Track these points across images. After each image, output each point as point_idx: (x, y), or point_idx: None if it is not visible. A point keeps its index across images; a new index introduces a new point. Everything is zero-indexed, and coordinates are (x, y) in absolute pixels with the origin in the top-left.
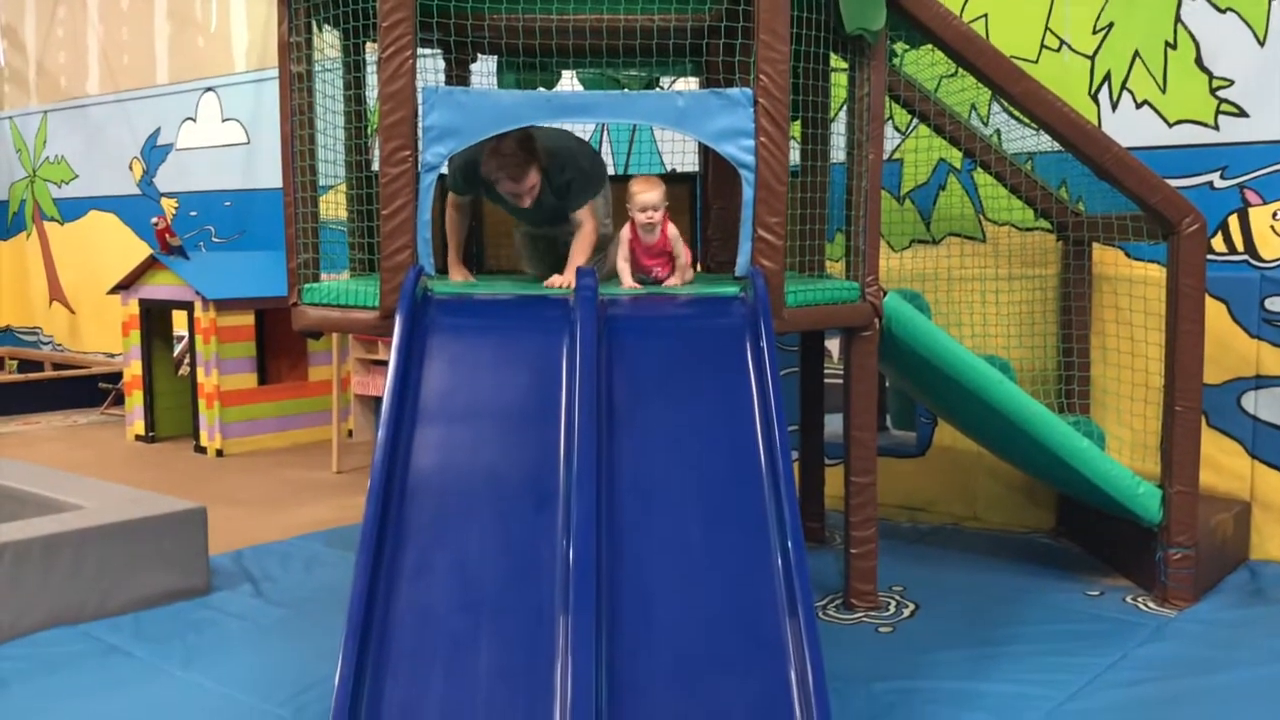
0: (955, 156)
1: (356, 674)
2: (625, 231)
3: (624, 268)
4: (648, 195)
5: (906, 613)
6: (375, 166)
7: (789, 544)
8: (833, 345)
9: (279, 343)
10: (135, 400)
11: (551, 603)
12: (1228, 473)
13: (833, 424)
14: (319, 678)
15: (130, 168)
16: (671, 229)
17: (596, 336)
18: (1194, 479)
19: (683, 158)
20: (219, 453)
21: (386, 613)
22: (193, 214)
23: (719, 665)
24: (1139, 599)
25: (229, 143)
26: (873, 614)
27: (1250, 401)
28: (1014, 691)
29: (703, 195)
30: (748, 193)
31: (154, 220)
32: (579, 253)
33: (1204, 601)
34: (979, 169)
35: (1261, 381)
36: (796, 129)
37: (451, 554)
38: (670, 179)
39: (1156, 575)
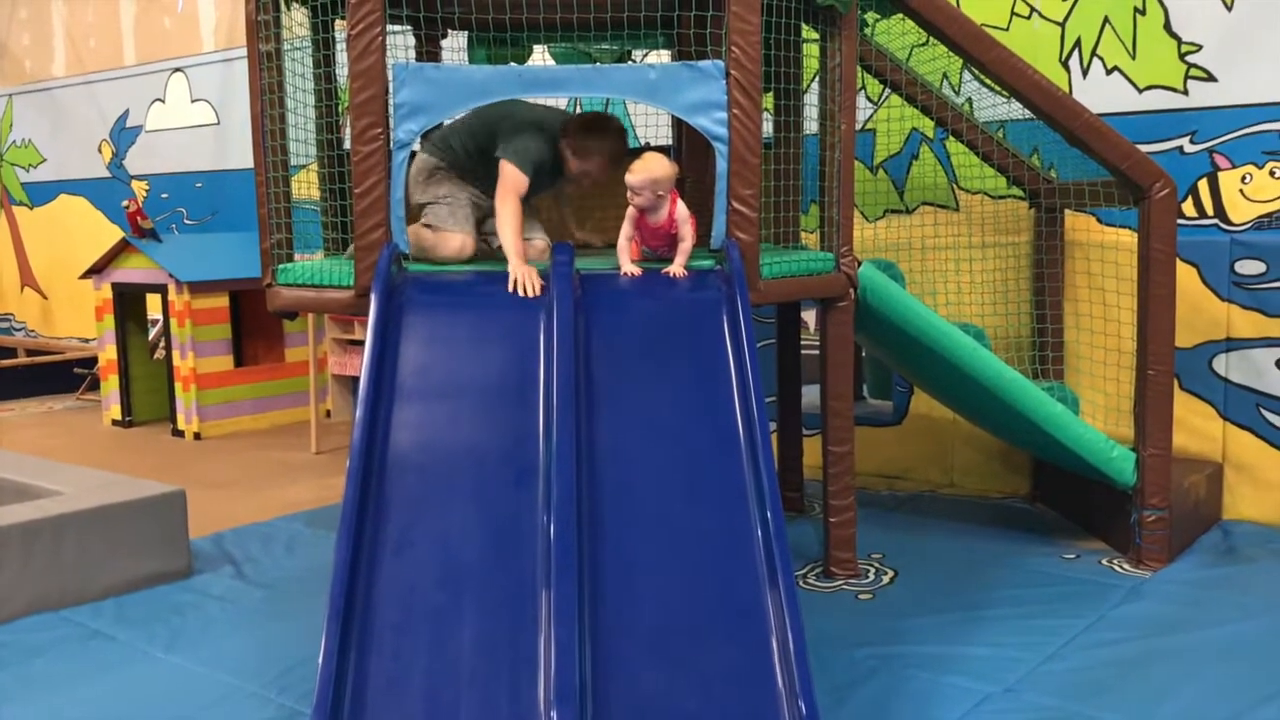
0: (928, 126)
1: (340, 651)
2: (632, 209)
3: (624, 246)
4: (631, 178)
5: (886, 579)
6: (347, 145)
7: (768, 514)
8: (809, 316)
9: (254, 324)
10: (111, 385)
11: (533, 576)
12: (1200, 435)
13: (810, 395)
14: (303, 657)
15: (99, 150)
16: (681, 209)
17: (574, 311)
18: (1167, 442)
19: (656, 131)
20: (197, 436)
21: (369, 589)
22: (164, 196)
23: (700, 635)
24: (1114, 561)
25: (199, 123)
26: (852, 581)
27: (1221, 364)
28: (993, 654)
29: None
30: (721, 165)
31: (125, 203)
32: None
33: (1178, 562)
34: (951, 138)
35: (1232, 344)
36: (769, 100)
37: (432, 530)
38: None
39: (1131, 537)
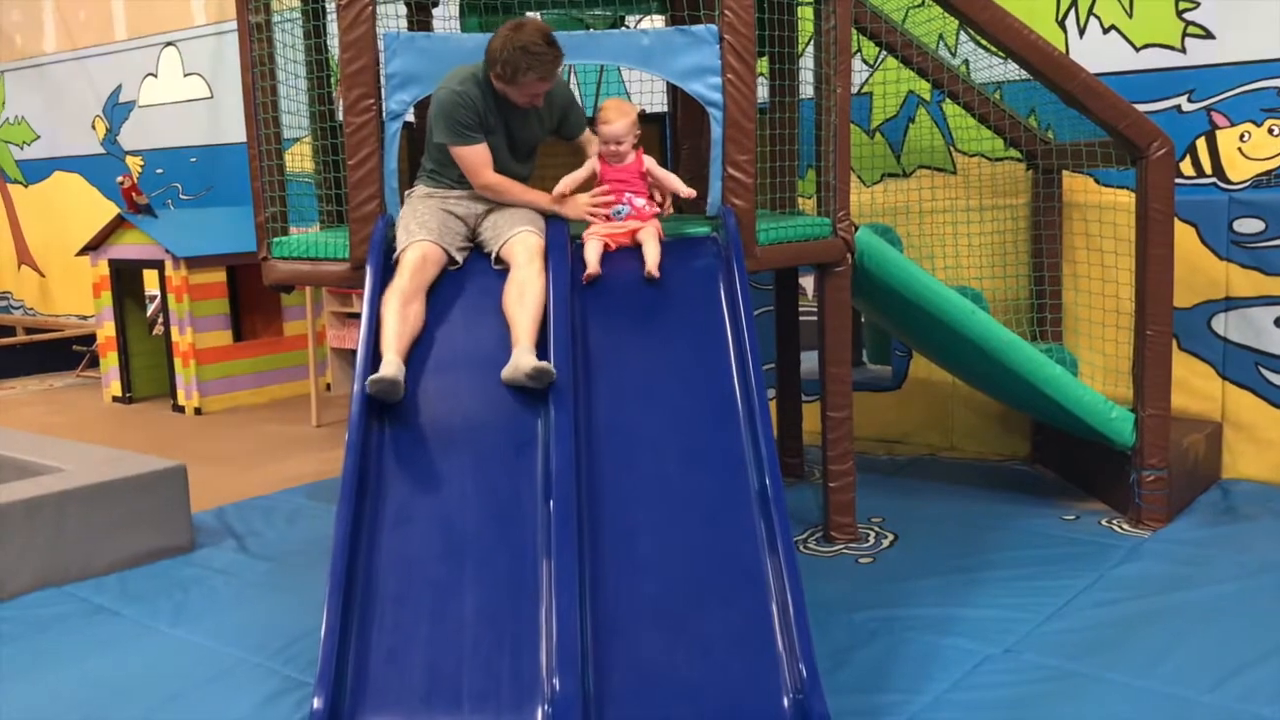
0: (924, 88)
1: (342, 623)
2: (592, 164)
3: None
4: (610, 127)
5: (886, 543)
6: (339, 117)
7: (766, 480)
8: (807, 282)
9: (252, 299)
10: (110, 361)
11: (534, 545)
12: (1199, 394)
13: (809, 361)
14: (306, 629)
15: (93, 126)
16: (647, 159)
17: (570, 281)
18: (1165, 402)
19: (651, 97)
20: (197, 411)
21: (369, 562)
22: (159, 171)
23: (700, 601)
24: (1114, 521)
25: (191, 98)
26: (852, 545)
27: (1220, 323)
28: (993, 615)
29: (672, 135)
30: (716, 131)
31: (120, 179)
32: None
33: (1177, 521)
34: (948, 100)
35: (1231, 303)
36: (764, 65)
37: (432, 502)
38: (639, 119)
39: (1130, 497)
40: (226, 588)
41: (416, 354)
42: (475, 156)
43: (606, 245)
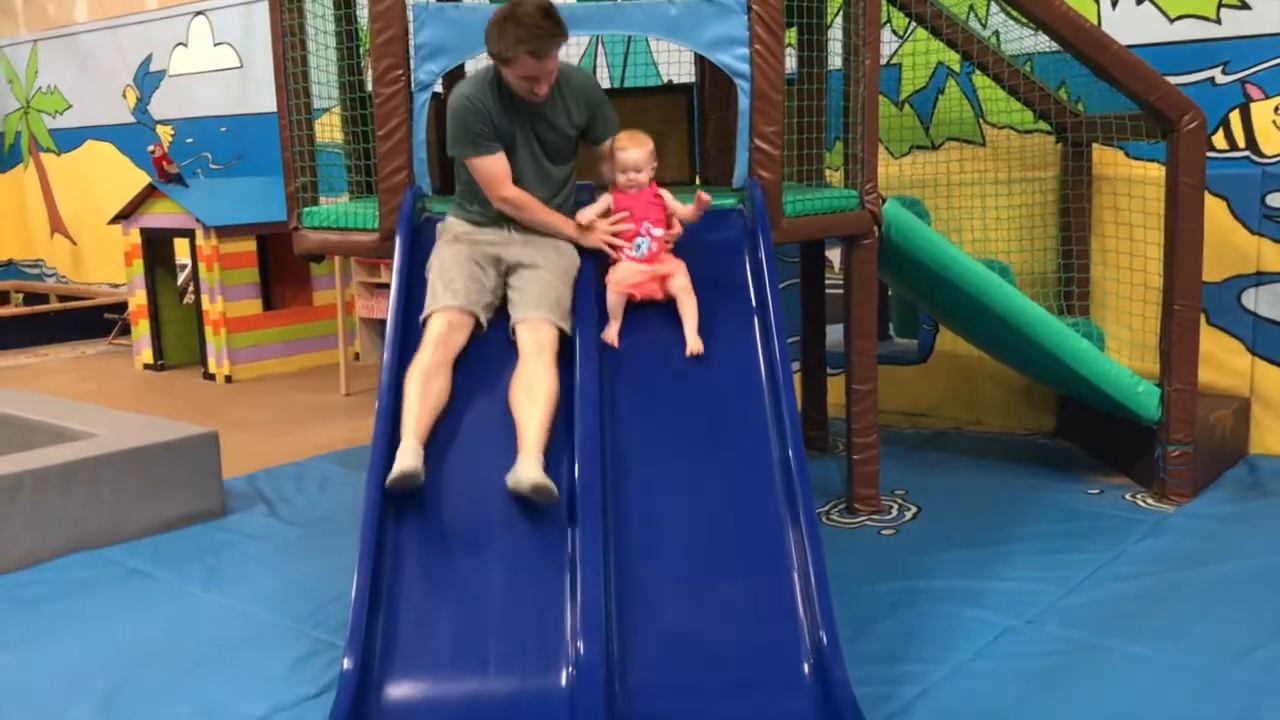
0: (954, 60)
1: (372, 588)
2: (607, 200)
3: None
4: (629, 155)
5: (909, 515)
6: (368, 88)
7: (789, 451)
8: (834, 255)
9: (282, 268)
10: (142, 329)
11: (560, 515)
12: (1228, 370)
13: (834, 334)
14: (337, 593)
15: (124, 96)
16: (661, 191)
17: (593, 253)
18: (1192, 377)
19: (679, 68)
20: (228, 379)
21: (398, 529)
22: (189, 141)
23: (723, 569)
24: (1138, 496)
25: (222, 67)
26: (875, 517)
27: (1251, 299)
28: (1015, 588)
29: (699, 106)
30: (744, 102)
31: (151, 148)
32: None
33: (1202, 496)
34: (978, 72)
35: (1262, 278)
36: (792, 36)
37: (461, 470)
38: (666, 90)
39: (1155, 472)
40: (258, 552)
41: None
42: (491, 168)
43: (631, 295)
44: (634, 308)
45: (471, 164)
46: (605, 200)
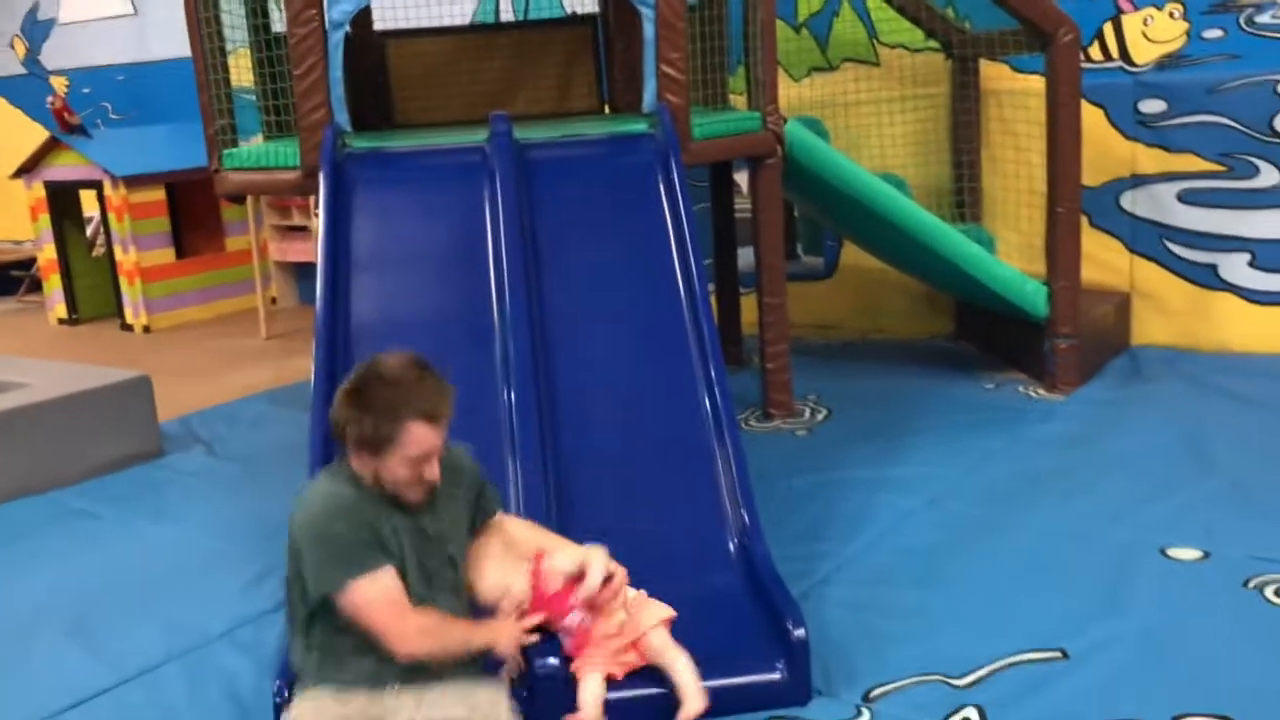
0: None
1: None
2: (519, 586)
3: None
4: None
5: (821, 417)
6: (276, 29)
7: (709, 360)
8: (742, 179)
9: (192, 216)
10: (54, 284)
11: (498, 427)
12: (1110, 268)
13: (746, 257)
14: (285, 519)
15: (11, 46)
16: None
17: (515, 180)
18: (1076, 274)
19: (582, 2)
20: (146, 329)
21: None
22: (85, 91)
23: (653, 468)
24: (1030, 388)
25: (115, 14)
26: (790, 421)
27: (1129, 200)
28: (919, 473)
29: (605, 36)
30: (649, 30)
31: (50, 100)
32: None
33: (1088, 385)
34: None
35: (1138, 180)
36: None
37: None
38: (571, 21)
39: (1045, 365)
40: (200, 488)
41: (371, 255)
42: (382, 596)
43: (612, 675)
44: (557, 229)
45: (353, 598)
46: (522, 585)
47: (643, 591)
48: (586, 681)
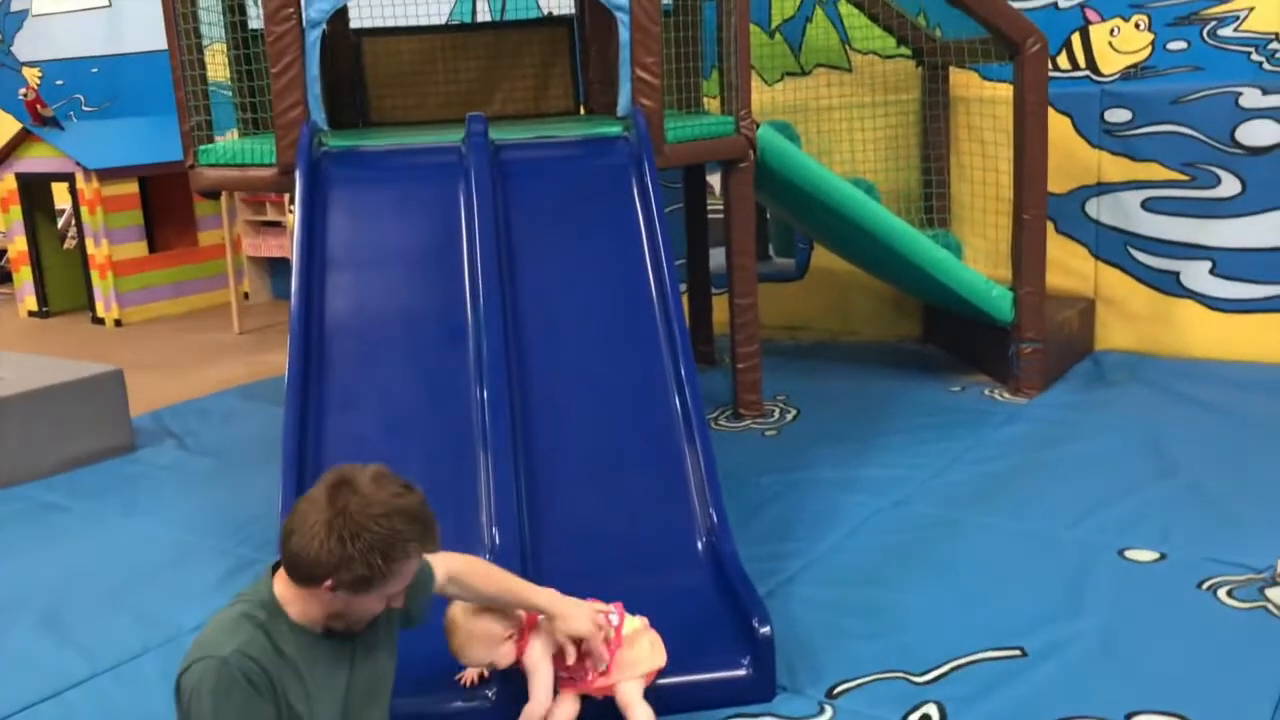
0: None
1: (296, 498)
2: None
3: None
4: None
5: (789, 417)
6: (253, 25)
7: (680, 360)
8: (714, 181)
9: (165, 210)
10: (24, 276)
11: (469, 422)
12: (1074, 274)
13: (717, 258)
14: (256, 514)
15: None
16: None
17: (491, 179)
18: (1041, 280)
19: (558, 3)
20: (117, 323)
21: (319, 441)
22: (59, 83)
23: (624, 467)
24: (995, 391)
25: (89, 6)
26: (759, 420)
27: (1094, 207)
28: (886, 474)
29: (581, 39)
30: (624, 34)
31: (22, 92)
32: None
33: (1052, 389)
34: (843, 0)
35: (1103, 188)
36: None
37: (374, 386)
38: (548, 22)
39: (1010, 369)
40: (172, 481)
41: (346, 251)
42: None
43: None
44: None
45: None
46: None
47: (644, 620)
48: (561, 702)
